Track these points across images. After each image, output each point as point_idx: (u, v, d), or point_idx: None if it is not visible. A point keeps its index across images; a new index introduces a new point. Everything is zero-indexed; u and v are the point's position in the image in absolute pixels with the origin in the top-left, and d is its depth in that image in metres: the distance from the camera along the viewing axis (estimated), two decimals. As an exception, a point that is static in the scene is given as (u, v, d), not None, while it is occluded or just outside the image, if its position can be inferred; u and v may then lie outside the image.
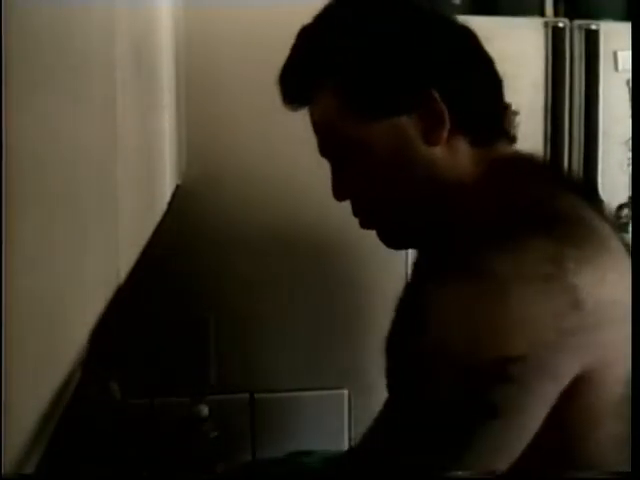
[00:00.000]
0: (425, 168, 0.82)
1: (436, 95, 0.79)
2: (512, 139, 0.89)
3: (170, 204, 1.24)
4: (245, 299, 1.69)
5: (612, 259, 0.73)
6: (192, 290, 1.65)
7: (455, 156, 0.82)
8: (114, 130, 0.59)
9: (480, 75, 0.85)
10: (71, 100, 0.43)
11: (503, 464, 0.70)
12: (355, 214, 0.90)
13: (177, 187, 1.45)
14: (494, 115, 0.87)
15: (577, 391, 0.70)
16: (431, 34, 0.84)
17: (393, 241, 0.92)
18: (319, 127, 0.87)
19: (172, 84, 1.32)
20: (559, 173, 1.05)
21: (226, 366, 1.68)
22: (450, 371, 0.68)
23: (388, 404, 0.78)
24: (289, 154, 1.66)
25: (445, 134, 0.80)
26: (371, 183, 0.85)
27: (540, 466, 0.72)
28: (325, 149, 0.88)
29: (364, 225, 0.90)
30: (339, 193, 0.89)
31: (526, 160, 0.87)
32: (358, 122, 0.82)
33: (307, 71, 0.85)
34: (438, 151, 0.81)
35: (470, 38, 0.86)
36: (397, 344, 0.89)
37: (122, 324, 0.88)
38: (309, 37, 0.85)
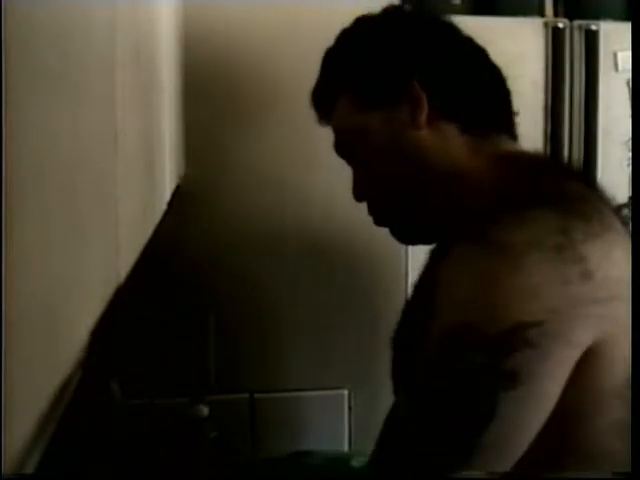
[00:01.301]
0: (414, 150, 0.89)
1: (416, 84, 0.88)
2: (516, 137, 0.93)
3: (170, 204, 1.24)
4: (245, 299, 1.69)
5: (617, 236, 0.74)
6: (192, 290, 1.65)
7: (443, 141, 0.89)
8: (114, 130, 0.59)
9: (467, 68, 0.92)
10: (71, 100, 0.43)
11: (527, 436, 0.71)
12: (370, 212, 0.97)
13: (177, 187, 1.45)
14: (487, 107, 0.92)
15: (586, 367, 0.70)
16: (415, 33, 0.94)
17: (405, 236, 0.98)
18: (336, 128, 0.97)
19: (172, 84, 1.32)
20: (562, 165, 1.08)
21: (226, 366, 1.68)
22: (468, 340, 0.69)
23: (405, 388, 0.79)
24: (289, 154, 1.66)
25: (424, 117, 0.88)
26: (377, 176, 0.93)
27: (541, 451, 0.72)
28: (340, 148, 0.98)
29: (378, 222, 0.97)
30: (357, 194, 0.97)
31: (530, 155, 0.91)
32: (359, 113, 0.92)
33: (330, 90, 0.97)
34: (425, 134, 0.89)
35: (456, 35, 0.94)
36: (408, 332, 0.90)
37: (122, 324, 0.88)
38: (329, 60, 0.98)
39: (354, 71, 0.93)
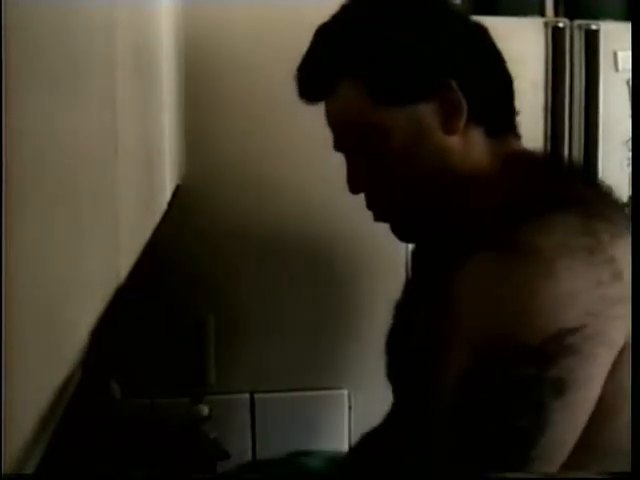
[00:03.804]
0: (441, 156, 0.84)
1: (454, 85, 0.82)
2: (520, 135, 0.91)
3: (170, 204, 1.24)
4: (245, 299, 1.69)
5: (630, 237, 0.74)
6: (192, 290, 1.65)
7: (470, 146, 0.84)
8: (114, 130, 0.59)
9: (493, 69, 0.88)
10: (71, 100, 0.43)
11: (575, 438, 0.70)
12: (369, 207, 0.90)
13: (177, 187, 1.45)
14: (506, 108, 0.89)
15: (615, 366, 0.70)
16: (449, 26, 0.86)
17: (406, 233, 0.93)
18: (337, 119, 0.88)
19: (172, 84, 1.32)
20: (569, 167, 1.07)
21: (226, 366, 1.68)
22: (511, 352, 0.68)
23: (423, 396, 0.77)
24: (289, 154, 1.66)
25: (462, 123, 0.83)
26: (388, 172, 0.86)
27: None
28: (342, 141, 0.89)
29: (378, 218, 0.91)
30: (355, 186, 0.89)
31: (540, 156, 0.90)
32: (378, 108, 0.83)
33: (327, 67, 0.86)
34: (455, 140, 0.83)
35: (485, 34, 0.89)
36: (407, 337, 0.88)
37: (122, 324, 0.88)
38: (328, 34, 0.87)
39: (370, 55, 0.83)
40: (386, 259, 1.69)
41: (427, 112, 0.83)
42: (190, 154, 1.62)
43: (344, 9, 0.87)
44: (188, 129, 1.61)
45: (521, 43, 1.75)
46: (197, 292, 1.66)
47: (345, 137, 0.88)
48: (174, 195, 1.34)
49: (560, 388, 0.67)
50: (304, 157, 1.64)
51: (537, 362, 0.67)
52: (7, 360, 0.30)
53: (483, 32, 0.88)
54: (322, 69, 0.87)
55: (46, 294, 0.38)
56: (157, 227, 1.01)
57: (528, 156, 0.88)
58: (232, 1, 1.62)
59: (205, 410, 1.44)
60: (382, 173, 0.86)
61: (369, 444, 0.83)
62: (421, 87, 0.83)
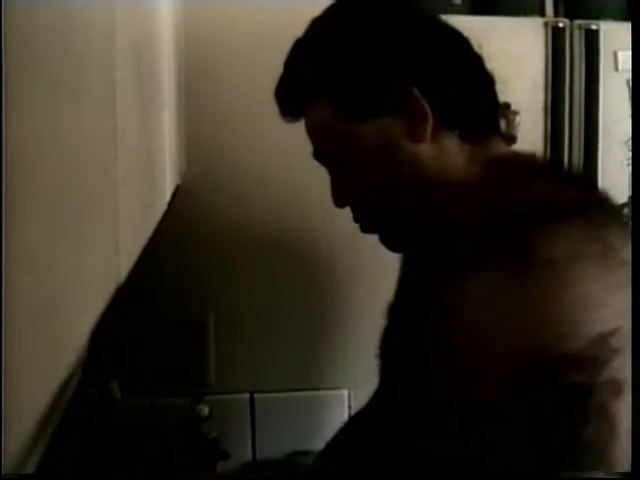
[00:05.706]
0: (413, 165, 0.83)
1: (417, 93, 0.81)
2: (507, 137, 0.90)
3: (170, 204, 1.24)
4: (245, 299, 1.69)
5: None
6: (192, 290, 1.65)
7: (444, 153, 0.83)
8: (114, 130, 0.59)
9: (467, 71, 0.86)
10: (71, 100, 0.43)
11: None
12: (355, 220, 0.92)
13: (177, 187, 1.45)
14: (484, 112, 0.88)
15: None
16: (411, 34, 0.85)
17: (394, 244, 0.93)
18: (313, 133, 0.90)
19: (172, 84, 1.32)
20: (560, 171, 1.05)
21: (226, 366, 1.68)
22: (558, 363, 0.65)
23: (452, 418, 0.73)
24: (289, 154, 1.66)
25: (429, 130, 0.82)
26: (364, 185, 0.87)
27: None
28: (320, 154, 0.92)
29: (365, 230, 0.92)
30: (338, 200, 0.91)
31: (526, 159, 0.87)
32: (347, 123, 0.84)
33: (301, 85, 0.88)
34: (425, 148, 0.83)
35: (455, 36, 0.87)
36: (399, 342, 0.88)
37: (122, 324, 0.88)
38: (300, 52, 0.88)
39: (335, 74, 0.85)
40: (386, 259, 1.69)
41: (393, 122, 0.83)
42: (190, 154, 1.62)
43: (314, 24, 0.88)
44: (188, 129, 1.61)
45: (521, 43, 1.75)
46: (197, 292, 1.66)
47: (323, 152, 0.91)
48: (174, 195, 1.34)
49: (615, 389, 0.65)
50: (304, 157, 1.63)
51: (588, 367, 0.65)
52: (7, 360, 0.30)
53: (454, 35, 0.87)
54: (295, 90, 0.89)
55: (46, 294, 0.38)
56: (157, 227, 1.01)
57: (512, 160, 0.85)
58: (232, 1, 1.62)
59: (205, 410, 1.44)
60: (360, 186, 0.88)
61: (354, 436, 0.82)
62: (384, 100, 0.83)
